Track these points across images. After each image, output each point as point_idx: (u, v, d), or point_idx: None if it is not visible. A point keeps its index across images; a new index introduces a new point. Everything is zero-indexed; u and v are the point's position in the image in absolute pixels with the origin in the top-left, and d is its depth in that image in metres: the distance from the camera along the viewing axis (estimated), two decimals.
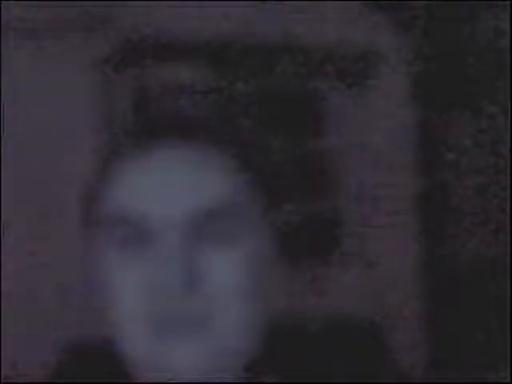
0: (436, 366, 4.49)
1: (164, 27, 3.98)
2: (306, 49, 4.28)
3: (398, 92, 4.53)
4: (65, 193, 3.56)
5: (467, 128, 4.75)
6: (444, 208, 4.73)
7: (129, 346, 0.82)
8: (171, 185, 0.81)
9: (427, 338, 4.55)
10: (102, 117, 3.87)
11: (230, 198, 0.81)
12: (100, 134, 3.79)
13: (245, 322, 0.81)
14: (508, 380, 3.90)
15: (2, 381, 3.48)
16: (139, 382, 0.84)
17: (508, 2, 4.35)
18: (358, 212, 4.50)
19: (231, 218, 0.81)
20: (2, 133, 3.67)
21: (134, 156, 0.83)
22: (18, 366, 3.54)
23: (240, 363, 0.82)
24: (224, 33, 4.08)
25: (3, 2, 3.62)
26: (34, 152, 3.72)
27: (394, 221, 4.49)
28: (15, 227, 3.67)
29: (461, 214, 4.74)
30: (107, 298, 0.83)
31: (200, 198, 0.80)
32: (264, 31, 4.16)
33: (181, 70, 4.13)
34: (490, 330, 4.55)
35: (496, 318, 4.53)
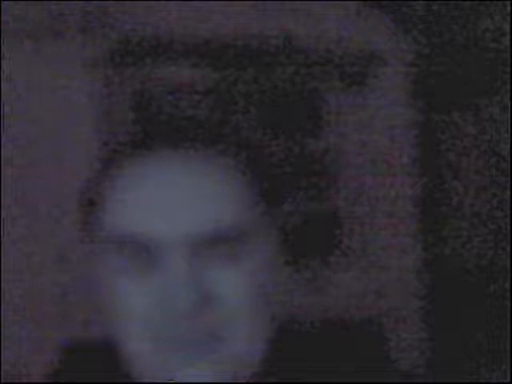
0: (436, 366, 4.48)
1: (164, 27, 3.98)
2: (305, 49, 4.28)
3: (398, 92, 4.53)
4: (65, 192, 3.56)
5: (467, 128, 4.74)
6: (444, 208, 4.73)
7: (138, 365, 0.82)
8: (176, 202, 0.79)
9: (427, 338, 4.55)
10: (101, 116, 3.87)
11: (240, 219, 0.80)
12: (99, 133, 3.79)
13: (255, 333, 0.81)
14: (508, 380, 3.90)
15: (2, 381, 3.48)
16: (139, 381, 0.84)
17: (508, 2, 4.35)
18: (357, 212, 4.49)
19: (240, 237, 0.80)
20: (1, 133, 3.66)
21: (134, 160, 0.83)
22: (17, 366, 3.54)
23: (249, 372, 0.82)
24: (224, 33, 4.08)
25: (3, 1, 3.62)
26: (34, 152, 3.72)
27: (394, 221, 4.49)
28: (15, 227, 3.67)
29: (461, 214, 4.74)
30: (117, 317, 0.82)
31: (206, 213, 0.79)
32: (264, 31, 4.16)
33: (181, 69, 4.12)
34: (490, 330, 4.55)
35: (496, 318, 4.53)
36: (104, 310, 0.83)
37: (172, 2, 3.97)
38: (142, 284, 0.79)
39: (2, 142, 3.67)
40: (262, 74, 4.27)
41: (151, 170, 0.81)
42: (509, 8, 4.36)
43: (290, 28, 4.22)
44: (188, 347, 0.78)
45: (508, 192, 4.62)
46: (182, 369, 0.79)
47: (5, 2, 3.63)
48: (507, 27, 4.41)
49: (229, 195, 0.80)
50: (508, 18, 4.41)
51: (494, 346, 4.46)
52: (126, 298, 0.80)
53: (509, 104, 4.58)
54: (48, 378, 0.95)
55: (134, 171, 0.81)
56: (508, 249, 4.58)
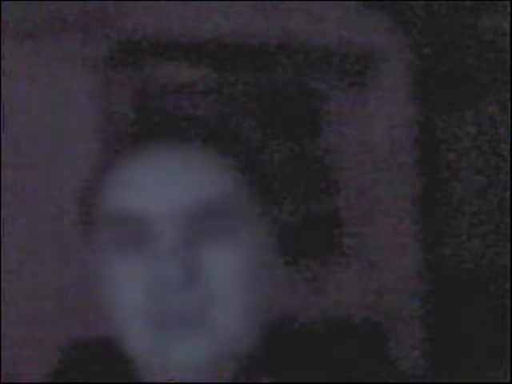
0: (436, 366, 4.48)
1: (164, 27, 3.98)
2: (305, 49, 4.28)
3: (398, 92, 4.53)
4: (65, 192, 3.56)
5: (467, 128, 4.74)
6: (444, 208, 4.73)
7: (130, 344, 0.83)
8: (170, 183, 0.81)
9: (427, 338, 4.55)
10: (101, 116, 3.87)
11: (229, 196, 0.82)
12: (99, 133, 3.79)
13: (244, 318, 0.81)
14: (508, 380, 3.89)
15: (2, 381, 3.48)
16: (139, 381, 0.84)
17: (508, 2, 4.35)
18: (357, 212, 4.49)
19: (230, 215, 0.81)
20: (1, 133, 3.66)
21: (133, 156, 0.84)
22: (18, 366, 3.54)
23: (239, 361, 0.83)
24: (224, 33, 4.08)
25: (3, 2, 3.62)
26: (34, 152, 3.72)
27: (394, 221, 4.49)
28: (15, 227, 3.67)
29: (461, 213, 4.74)
30: (108, 296, 0.83)
31: (198, 195, 0.80)
32: (264, 31, 4.16)
33: (181, 69, 4.12)
34: (490, 330, 4.55)
35: (496, 319, 4.53)
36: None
37: (172, 2, 3.97)
38: (135, 265, 0.80)
39: (2, 142, 3.67)
40: (261, 73, 4.27)
41: (151, 169, 0.81)
42: (509, 8, 4.36)
43: (290, 28, 4.22)
44: (176, 326, 0.79)
45: (508, 192, 4.62)
46: (175, 348, 0.79)
47: (5, 2, 3.63)
48: (507, 27, 4.41)
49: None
50: (508, 18, 4.41)
51: (494, 346, 4.46)
52: (119, 281, 0.81)
53: (509, 104, 4.58)
54: (48, 377, 0.95)
55: (133, 170, 0.82)
56: (508, 249, 4.58)
